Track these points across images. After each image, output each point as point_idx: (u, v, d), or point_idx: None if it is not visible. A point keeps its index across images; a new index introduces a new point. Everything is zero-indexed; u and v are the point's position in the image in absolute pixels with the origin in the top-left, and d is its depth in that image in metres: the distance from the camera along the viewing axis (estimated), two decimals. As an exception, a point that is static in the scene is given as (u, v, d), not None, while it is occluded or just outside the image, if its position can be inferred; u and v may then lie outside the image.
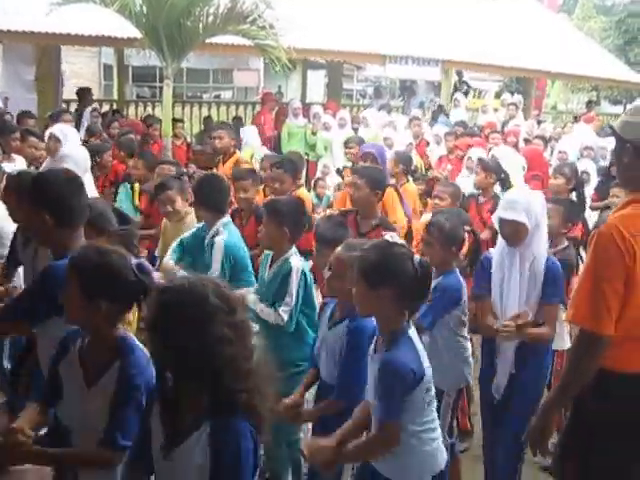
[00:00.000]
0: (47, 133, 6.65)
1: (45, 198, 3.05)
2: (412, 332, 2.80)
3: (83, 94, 13.10)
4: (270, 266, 4.03)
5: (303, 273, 3.89)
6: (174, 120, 10.72)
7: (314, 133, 12.08)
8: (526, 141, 10.38)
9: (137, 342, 2.68)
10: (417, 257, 2.87)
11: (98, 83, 24.01)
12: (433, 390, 2.83)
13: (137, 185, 7.03)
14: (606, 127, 9.87)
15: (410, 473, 2.81)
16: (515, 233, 3.71)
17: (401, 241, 4.04)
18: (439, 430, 2.90)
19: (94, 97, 14.35)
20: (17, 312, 3.07)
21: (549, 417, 2.92)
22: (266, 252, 4.23)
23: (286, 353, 3.76)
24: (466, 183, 7.18)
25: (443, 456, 2.88)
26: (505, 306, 3.75)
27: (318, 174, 9.74)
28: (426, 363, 2.78)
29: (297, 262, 3.92)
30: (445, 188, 5.84)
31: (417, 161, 9.47)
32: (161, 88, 10.55)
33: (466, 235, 4.20)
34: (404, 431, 2.74)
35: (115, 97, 16.46)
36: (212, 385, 2.12)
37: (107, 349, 2.62)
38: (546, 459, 3.85)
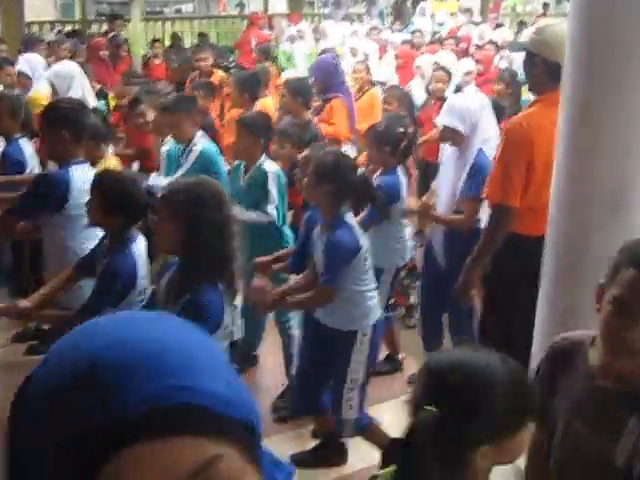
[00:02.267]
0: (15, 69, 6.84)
1: (64, 118, 3.68)
2: (349, 217, 3.47)
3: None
4: (245, 175, 4.52)
5: (278, 175, 4.41)
6: (153, 40, 11.01)
7: (277, 45, 12.41)
8: (478, 47, 10.79)
9: None
10: (361, 169, 3.61)
11: (53, 1, 23.59)
12: (370, 260, 3.52)
13: (112, 102, 7.51)
14: (515, 43, 10.28)
15: (355, 322, 3.51)
16: (451, 137, 4.21)
17: (352, 154, 4.59)
18: (376, 292, 3.61)
19: (52, 18, 14.32)
20: (21, 213, 3.78)
21: (471, 274, 3.69)
22: (236, 162, 4.77)
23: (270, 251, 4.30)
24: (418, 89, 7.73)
25: (377, 312, 3.58)
26: (441, 196, 4.30)
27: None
28: (362, 239, 3.45)
29: (270, 166, 4.43)
30: (392, 92, 6.35)
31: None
32: (121, 4, 10.77)
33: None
34: (349, 290, 3.45)
35: (77, 17, 16.44)
36: (219, 256, 2.74)
37: None
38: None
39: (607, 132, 2.39)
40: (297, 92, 5.61)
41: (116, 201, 3.15)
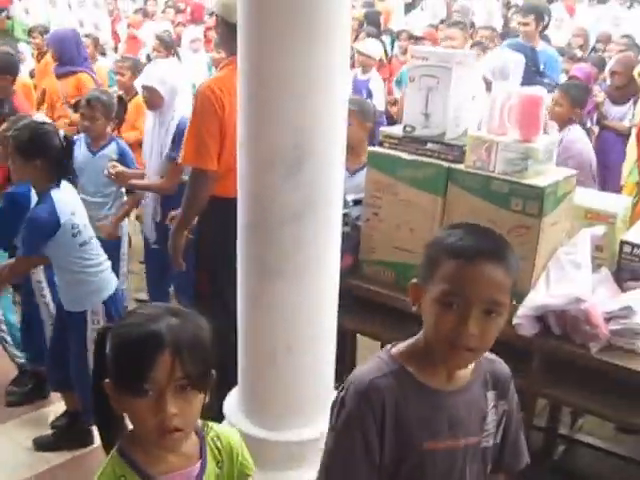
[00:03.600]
0: None
1: None
2: (55, 192, 3.39)
3: None
4: None
5: None
6: None
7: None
8: (211, 14, 10.85)
9: None
10: (62, 132, 3.52)
11: None
12: (86, 234, 3.47)
13: None
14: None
15: (82, 301, 3.48)
16: (149, 98, 4.37)
17: (48, 120, 4.55)
18: (106, 264, 3.58)
19: None
20: None
21: (177, 239, 3.76)
22: None
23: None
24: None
25: (109, 285, 3.57)
26: (149, 163, 4.47)
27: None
28: (66, 214, 3.37)
29: None
30: (123, 63, 6.29)
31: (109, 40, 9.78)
32: None
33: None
34: (69, 270, 3.42)
35: None
36: None
37: None
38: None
39: (282, 91, 2.46)
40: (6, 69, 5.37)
41: None
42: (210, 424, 1.74)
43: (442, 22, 9.16)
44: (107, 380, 1.54)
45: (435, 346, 1.64)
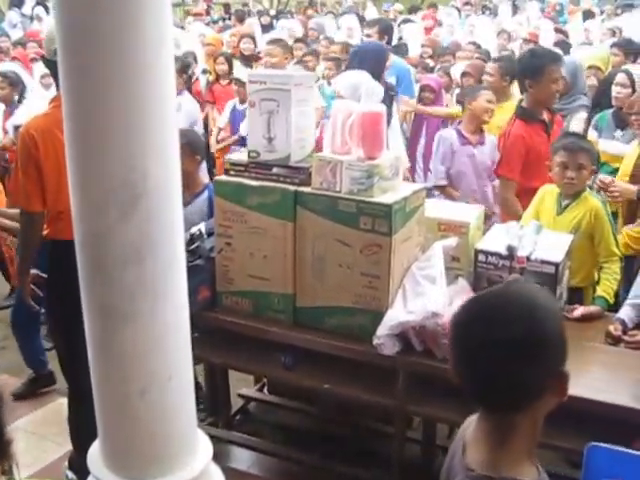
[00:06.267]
0: None
1: None
2: None
3: None
4: None
5: None
6: None
7: None
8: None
9: None
10: None
11: None
12: None
13: None
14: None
15: None
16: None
17: None
18: None
19: None
20: None
21: (22, 282, 3.67)
22: None
23: None
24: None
25: None
26: None
27: None
28: None
29: None
30: None
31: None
32: None
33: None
34: None
35: None
36: None
37: None
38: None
39: (109, 126, 2.33)
40: None
41: None
42: (16, 478, 1.68)
43: (297, 41, 9.19)
44: None
45: None
